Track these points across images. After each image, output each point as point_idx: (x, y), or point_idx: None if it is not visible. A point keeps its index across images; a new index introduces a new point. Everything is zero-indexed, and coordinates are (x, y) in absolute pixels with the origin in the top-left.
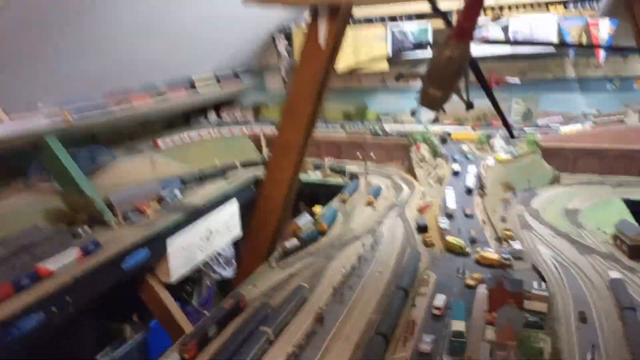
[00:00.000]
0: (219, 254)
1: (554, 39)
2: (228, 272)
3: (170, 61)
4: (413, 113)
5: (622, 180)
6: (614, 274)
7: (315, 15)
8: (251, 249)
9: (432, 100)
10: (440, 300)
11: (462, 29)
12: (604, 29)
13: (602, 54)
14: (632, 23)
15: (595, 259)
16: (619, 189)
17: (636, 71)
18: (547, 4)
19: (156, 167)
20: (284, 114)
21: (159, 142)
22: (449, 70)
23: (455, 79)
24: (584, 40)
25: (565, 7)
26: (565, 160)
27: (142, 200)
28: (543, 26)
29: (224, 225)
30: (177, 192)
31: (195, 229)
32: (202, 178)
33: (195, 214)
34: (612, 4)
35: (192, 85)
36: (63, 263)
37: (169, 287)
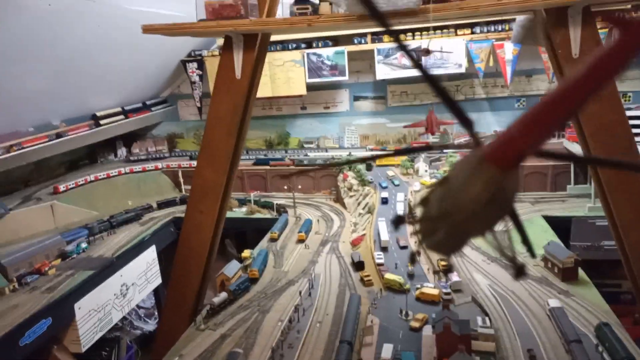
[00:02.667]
0: (139, 306)
1: (464, 61)
2: (150, 325)
3: (66, 95)
4: (369, 167)
5: (538, 196)
6: (553, 302)
7: (229, 44)
8: (173, 306)
9: (445, 246)
10: (387, 351)
11: (511, 150)
12: (509, 50)
13: (509, 74)
14: (548, 47)
15: (530, 284)
16: (537, 206)
17: (540, 89)
18: (455, 28)
19: (57, 216)
20: (201, 151)
21: (60, 186)
22: (480, 213)
23: (488, 225)
24: (491, 61)
25: (472, 31)
26: None
27: (42, 258)
28: (453, 48)
29: (142, 276)
30: (83, 244)
31: (108, 286)
32: (112, 224)
33: (106, 268)
34: (523, 32)
35: (96, 121)
36: None
37: (80, 356)
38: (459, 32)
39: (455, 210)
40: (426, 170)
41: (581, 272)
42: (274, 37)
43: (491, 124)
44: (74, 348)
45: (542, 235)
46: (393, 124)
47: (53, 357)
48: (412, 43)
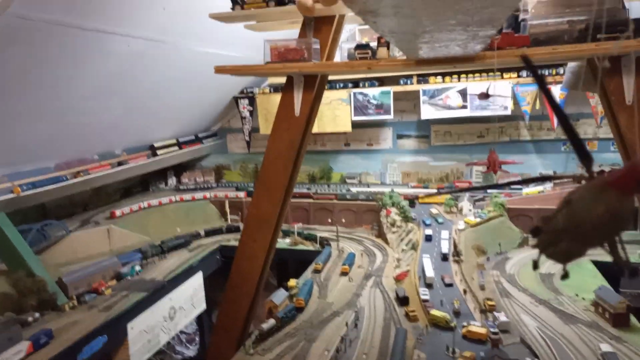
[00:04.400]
0: (181, 332)
1: (510, 104)
2: (191, 351)
3: (130, 127)
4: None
5: None
6: (605, 347)
7: (290, 84)
8: (222, 330)
9: (566, 254)
10: None
11: (630, 180)
12: (556, 94)
13: (555, 118)
14: (601, 94)
15: (580, 328)
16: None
17: (587, 133)
18: (501, 72)
19: (113, 240)
20: (258, 183)
21: (116, 211)
22: (602, 228)
23: (607, 237)
24: (538, 104)
25: (519, 74)
26: (530, 221)
27: (99, 278)
28: (499, 91)
29: (189, 301)
30: (137, 267)
31: (158, 308)
32: (163, 249)
33: (157, 291)
34: (574, 78)
35: (153, 151)
36: None
37: None
38: (505, 75)
39: (582, 225)
40: (470, 210)
41: (633, 319)
42: (354, 75)
43: (536, 166)
44: None
45: (592, 281)
46: (435, 163)
47: None
48: (458, 85)
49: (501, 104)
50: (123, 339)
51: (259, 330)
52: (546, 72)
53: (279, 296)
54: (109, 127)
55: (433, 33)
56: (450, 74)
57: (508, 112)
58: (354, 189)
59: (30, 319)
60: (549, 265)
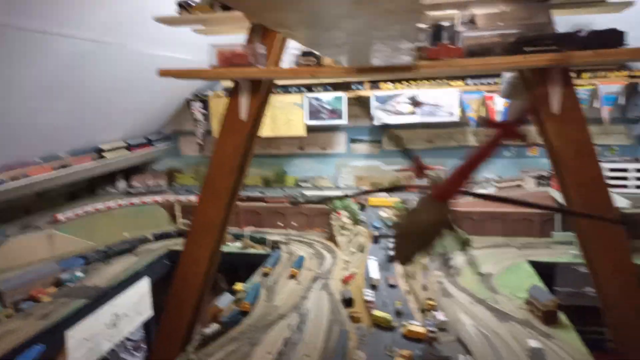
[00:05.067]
0: (127, 339)
1: (457, 111)
2: (137, 358)
3: (75, 129)
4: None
5: (525, 241)
6: (533, 343)
7: (236, 88)
8: (166, 336)
9: (404, 257)
10: None
11: (446, 191)
12: (500, 102)
13: None
14: (531, 104)
15: (514, 326)
16: (523, 251)
17: (530, 138)
18: (449, 79)
19: (55, 245)
20: (204, 188)
21: (59, 215)
22: (429, 232)
23: (434, 239)
24: (483, 111)
25: (465, 82)
26: (473, 223)
27: (38, 285)
28: (447, 98)
29: (134, 307)
30: (78, 273)
31: (100, 315)
32: (108, 255)
33: (99, 297)
34: (510, 88)
35: (100, 154)
36: None
37: None
38: (452, 83)
39: (416, 229)
40: None
41: (563, 317)
42: (277, 81)
43: (482, 170)
44: None
45: (527, 280)
46: (387, 167)
47: None
48: (408, 91)
49: (448, 111)
50: (61, 348)
51: (201, 335)
52: (491, 81)
53: (224, 301)
54: (53, 129)
55: (353, 45)
56: (401, 80)
57: (455, 119)
58: (307, 192)
59: None
60: (490, 266)
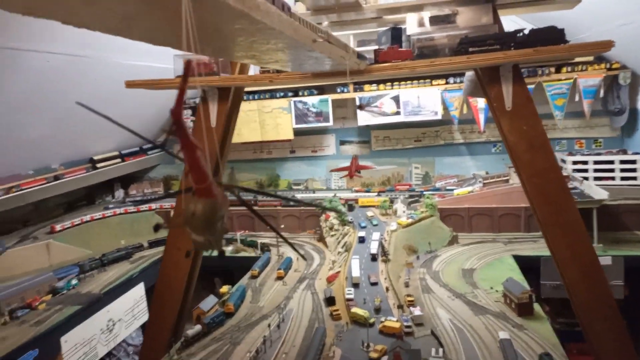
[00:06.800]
0: (128, 343)
1: (439, 109)
2: None
3: (65, 142)
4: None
5: (512, 237)
6: (503, 334)
7: (205, 96)
8: (151, 338)
9: (198, 244)
10: None
11: (198, 189)
12: (481, 99)
13: (482, 121)
14: (487, 102)
15: (488, 319)
16: (510, 246)
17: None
18: (431, 78)
19: (52, 254)
20: (180, 194)
21: (57, 226)
22: (198, 222)
23: (209, 228)
24: (465, 109)
25: (447, 81)
26: (461, 220)
27: (33, 293)
28: (429, 97)
29: (129, 312)
30: (73, 280)
31: (95, 321)
32: (103, 262)
33: (93, 303)
34: (472, 85)
35: (93, 164)
36: None
37: None
38: (434, 82)
39: (189, 219)
40: (404, 211)
41: (537, 308)
42: (264, 87)
43: (470, 167)
44: None
45: (508, 274)
46: (377, 167)
47: None
48: (391, 92)
49: (431, 110)
50: (56, 353)
51: (184, 336)
52: (451, 81)
53: (207, 303)
54: (41, 141)
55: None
56: (384, 82)
57: (439, 117)
58: (299, 195)
59: None
60: (472, 262)
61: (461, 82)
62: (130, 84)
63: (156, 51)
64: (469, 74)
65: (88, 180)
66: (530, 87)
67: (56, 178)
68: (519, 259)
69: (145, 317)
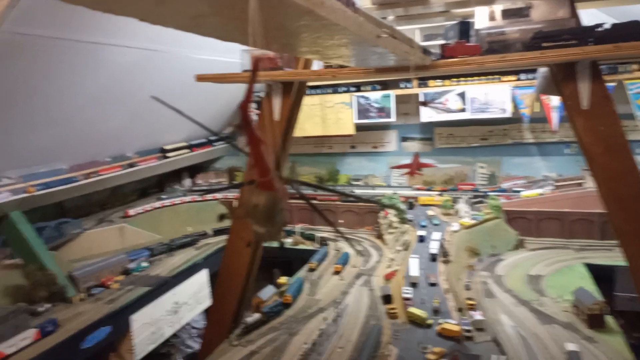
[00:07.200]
0: (192, 326)
1: (509, 107)
2: (200, 345)
3: (140, 131)
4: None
5: (585, 244)
6: (570, 346)
7: (269, 91)
8: (213, 323)
9: (259, 235)
10: None
11: (261, 182)
12: (555, 97)
13: (555, 120)
14: (563, 100)
15: (555, 329)
16: (581, 253)
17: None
18: (500, 75)
19: (125, 237)
20: (243, 184)
21: (130, 210)
22: (260, 214)
23: (270, 220)
24: (537, 107)
25: (518, 77)
26: (528, 224)
27: (107, 273)
28: (498, 94)
29: (193, 296)
30: (144, 263)
31: (162, 302)
32: (171, 247)
33: (161, 286)
34: (545, 83)
35: (164, 154)
36: (19, 346)
37: None
38: (504, 78)
39: (251, 211)
40: (467, 211)
41: (610, 321)
42: (326, 82)
43: (540, 168)
44: (128, 357)
45: (579, 283)
46: (440, 165)
47: None
48: (457, 88)
49: (500, 107)
50: (127, 330)
51: (244, 323)
52: (523, 77)
53: (266, 292)
54: (118, 131)
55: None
56: (450, 77)
57: (508, 115)
58: (358, 191)
59: (40, 309)
60: (539, 268)
61: (533, 78)
62: (200, 78)
63: (223, 46)
64: (543, 70)
65: (159, 169)
66: (609, 85)
67: (130, 165)
68: (591, 268)
69: (207, 302)
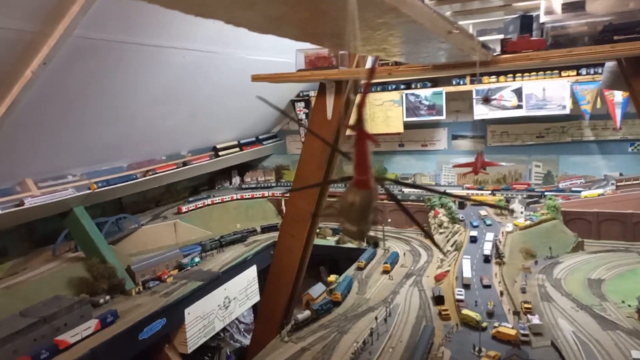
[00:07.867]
0: (240, 321)
1: (568, 103)
2: (248, 340)
3: (194, 131)
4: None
5: None
6: (637, 354)
7: (323, 89)
8: (264, 319)
9: (350, 233)
10: None
11: (359, 181)
12: (619, 92)
13: (618, 116)
14: (631, 96)
15: (619, 335)
16: None
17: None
18: (559, 70)
19: (179, 233)
20: (295, 182)
21: (183, 207)
22: (355, 212)
23: (363, 218)
24: (599, 103)
25: (578, 72)
26: (588, 225)
27: (163, 267)
28: (556, 90)
29: (243, 292)
30: (196, 258)
31: (213, 297)
32: (222, 243)
33: (213, 281)
34: (612, 77)
35: (216, 152)
36: (82, 335)
37: (186, 357)
38: (563, 73)
39: (344, 210)
40: (522, 212)
41: None
42: (381, 79)
43: (600, 167)
44: (181, 349)
45: None
46: (505, 164)
47: (164, 354)
48: (513, 84)
49: (558, 103)
50: (180, 323)
51: (294, 320)
52: (600, 71)
53: (317, 290)
54: (175, 130)
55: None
56: (505, 73)
57: (567, 112)
58: (406, 190)
59: (101, 300)
60: (600, 271)
61: (595, 73)
62: (255, 78)
63: (278, 47)
64: (610, 64)
65: (211, 167)
66: None
67: (184, 164)
68: None
69: (256, 298)
